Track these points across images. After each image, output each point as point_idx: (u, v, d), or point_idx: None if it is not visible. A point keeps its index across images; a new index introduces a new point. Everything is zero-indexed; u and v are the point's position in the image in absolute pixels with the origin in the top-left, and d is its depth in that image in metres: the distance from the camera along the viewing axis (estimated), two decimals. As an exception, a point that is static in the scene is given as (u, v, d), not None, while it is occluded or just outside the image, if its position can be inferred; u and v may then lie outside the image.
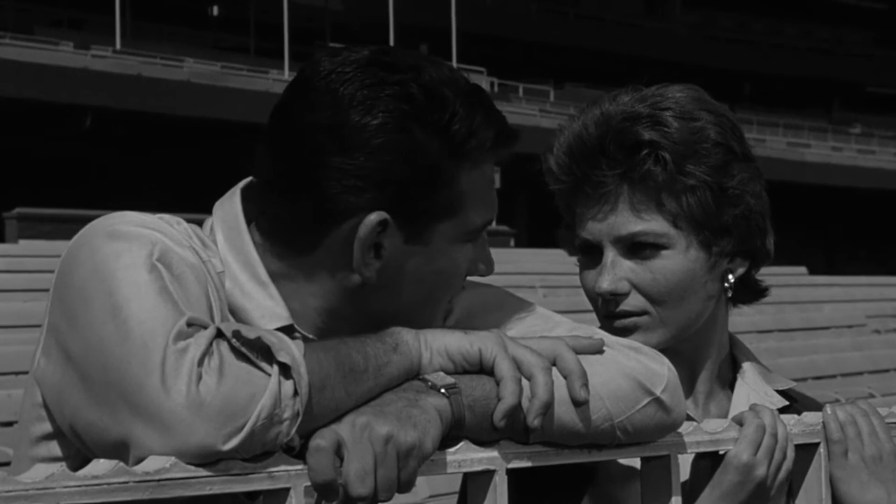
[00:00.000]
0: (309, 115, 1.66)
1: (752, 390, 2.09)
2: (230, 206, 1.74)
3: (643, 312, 1.98)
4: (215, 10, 39.90)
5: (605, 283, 1.96)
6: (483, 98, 1.71)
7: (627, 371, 1.68)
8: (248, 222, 1.72)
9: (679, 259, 1.97)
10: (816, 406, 2.11)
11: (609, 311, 1.98)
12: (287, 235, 1.69)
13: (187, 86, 29.61)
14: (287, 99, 1.70)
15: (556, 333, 1.73)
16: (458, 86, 1.68)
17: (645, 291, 1.97)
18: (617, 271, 1.97)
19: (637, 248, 1.97)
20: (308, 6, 37.09)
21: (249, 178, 1.76)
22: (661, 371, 1.71)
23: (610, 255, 1.97)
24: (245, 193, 1.75)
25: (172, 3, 38.68)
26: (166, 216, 1.68)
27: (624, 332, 1.96)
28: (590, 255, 2.00)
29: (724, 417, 2.03)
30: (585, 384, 1.62)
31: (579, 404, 1.62)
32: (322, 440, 1.46)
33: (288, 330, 1.67)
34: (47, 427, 1.63)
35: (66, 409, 1.55)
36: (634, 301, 1.97)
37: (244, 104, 29.24)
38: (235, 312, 1.68)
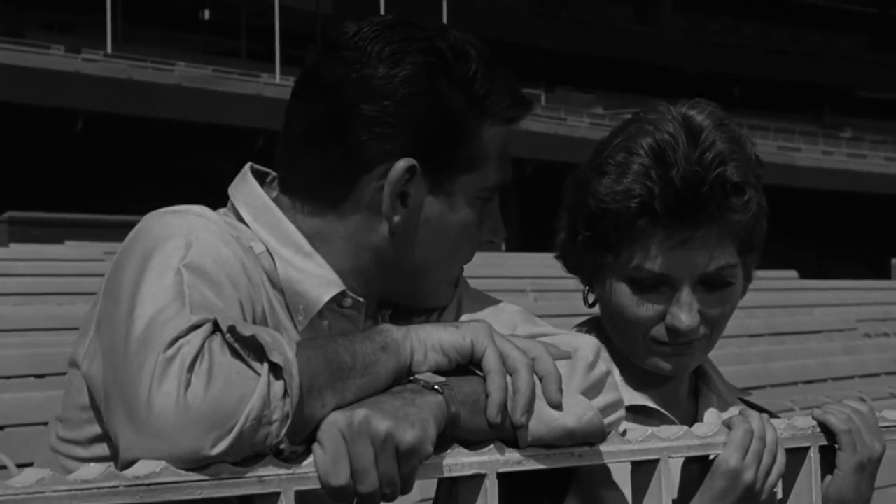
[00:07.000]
0: (340, 70, 1.74)
1: (716, 396, 2.10)
2: (248, 187, 1.80)
3: (702, 337, 2.00)
4: (207, 14, 39.85)
5: (689, 320, 1.96)
6: (500, 64, 1.79)
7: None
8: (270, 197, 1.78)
9: (739, 286, 2.02)
10: (770, 414, 2.13)
11: (676, 342, 1.98)
12: (317, 188, 1.75)
13: (178, 89, 29.60)
14: (316, 61, 1.78)
15: (539, 331, 1.78)
16: (479, 49, 1.78)
17: (711, 320, 2.00)
18: (693, 306, 1.97)
19: (713, 281, 1.98)
20: (299, 10, 37.09)
21: (250, 163, 1.83)
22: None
23: (687, 289, 1.97)
24: (256, 172, 1.82)
25: (164, 6, 38.64)
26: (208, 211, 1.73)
27: (676, 356, 1.99)
28: (650, 287, 1.97)
29: (691, 421, 2.04)
30: (560, 388, 1.63)
31: (554, 407, 1.63)
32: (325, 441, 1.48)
33: (341, 295, 1.74)
34: (97, 429, 1.67)
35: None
36: (700, 330, 1.99)
37: (236, 108, 29.24)
38: (290, 285, 1.73)
